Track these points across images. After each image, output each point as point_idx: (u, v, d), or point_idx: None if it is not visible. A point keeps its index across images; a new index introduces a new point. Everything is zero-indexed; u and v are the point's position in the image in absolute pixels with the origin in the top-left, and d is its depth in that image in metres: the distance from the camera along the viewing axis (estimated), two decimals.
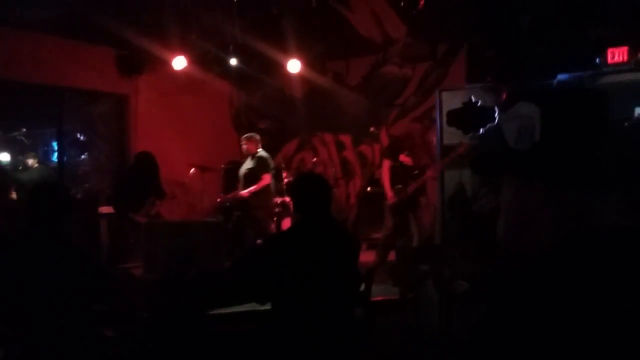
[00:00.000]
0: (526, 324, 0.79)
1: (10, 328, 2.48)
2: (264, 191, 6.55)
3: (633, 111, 5.70)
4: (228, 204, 6.91)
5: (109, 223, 6.54)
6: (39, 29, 6.60)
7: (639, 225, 0.90)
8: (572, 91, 1.11)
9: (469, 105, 6.41)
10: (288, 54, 7.84)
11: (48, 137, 8.00)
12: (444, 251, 5.25)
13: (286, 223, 7.05)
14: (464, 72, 7.36)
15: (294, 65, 7.95)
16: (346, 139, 9.03)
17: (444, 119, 6.92)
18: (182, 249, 3.26)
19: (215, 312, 3.35)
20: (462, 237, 6.05)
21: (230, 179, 7.97)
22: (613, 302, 0.77)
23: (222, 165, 8.22)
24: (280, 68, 8.19)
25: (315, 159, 8.46)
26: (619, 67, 5.92)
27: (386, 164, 5.92)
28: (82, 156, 8.15)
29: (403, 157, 5.87)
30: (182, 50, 7.50)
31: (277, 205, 7.16)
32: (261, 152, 6.65)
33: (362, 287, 3.02)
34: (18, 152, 7.71)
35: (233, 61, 7.82)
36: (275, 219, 7.09)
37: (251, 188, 6.40)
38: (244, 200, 6.50)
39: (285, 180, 7.34)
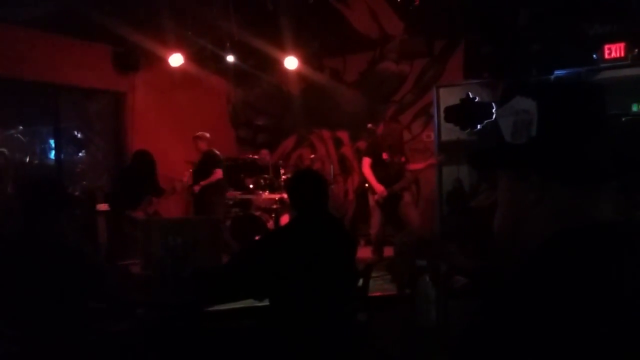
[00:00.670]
0: (521, 319, 0.79)
1: (7, 326, 2.48)
2: (220, 187, 6.66)
3: (630, 107, 5.72)
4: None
5: (106, 220, 6.54)
6: (35, 26, 6.58)
7: (634, 218, 0.90)
8: (569, 85, 1.12)
9: (466, 101, 6.43)
10: (285, 50, 7.83)
11: (45, 135, 7.97)
12: (441, 247, 5.26)
13: (284, 219, 7.05)
14: (461, 68, 7.38)
15: (291, 62, 7.94)
16: (344, 135, 9.03)
17: (442, 115, 6.94)
18: (179, 246, 3.25)
19: (213, 308, 3.35)
20: (459, 233, 6.07)
21: (228, 175, 7.98)
22: (608, 295, 0.77)
23: None
24: (278, 65, 8.18)
25: (313, 156, 8.47)
26: (616, 63, 5.93)
27: (366, 161, 6.00)
28: (80, 154, 8.14)
29: (385, 156, 5.94)
30: (179, 47, 7.49)
31: (274, 202, 7.17)
32: (211, 149, 6.89)
33: (360, 282, 3.02)
34: (15, 150, 7.69)
35: (230, 58, 7.81)
36: (273, 215, 7.10)
37: (202, 182, 6.64)
38: (198, 196, 6.64)
39: (283, 176, 7.34)
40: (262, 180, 7.26)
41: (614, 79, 5.85)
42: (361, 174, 8.57)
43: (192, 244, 3.30)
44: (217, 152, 6.98)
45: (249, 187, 7.27)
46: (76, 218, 6.29)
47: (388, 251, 5.89)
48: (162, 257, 3.27)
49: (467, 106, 6.35)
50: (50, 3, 6.15)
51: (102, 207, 6.67)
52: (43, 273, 2.47)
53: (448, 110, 6.69)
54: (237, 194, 7.37)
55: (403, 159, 6.08)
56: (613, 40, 5.94)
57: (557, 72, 5.98)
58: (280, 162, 8.10)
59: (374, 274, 3.90)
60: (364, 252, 5.99)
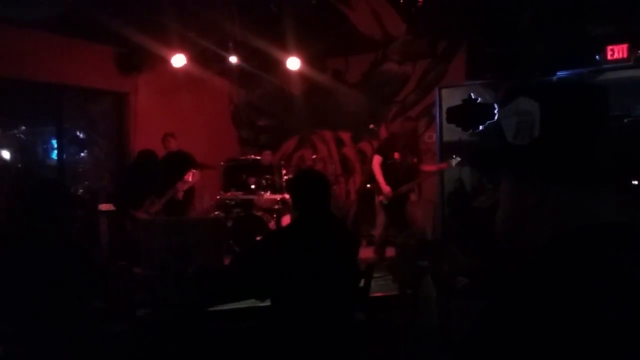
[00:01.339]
0: (523, 320, 0.79)
1: (10, 326, 2.49)
2: (193, 189, 6.58)
3: (633, 108, 5.71)
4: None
5: (108, 220, 6.55)
6: (38, 27, 6.59)
7: (636, 220, 0.90)
8: (572, 86, 1.12)
9: (468, 102, 6.43)
10: (287, 51, 7.84)
11: (48, 135, 7.99)
12: (443, 247, 5.26)
13: (285, 220, 7.06)
14: (463, 69, 7.36)
15: (293, 63, 7.95)
16: (346, 136, 9.03)
17: (444, 116, 6.94)
18: (181, 246, 3.26)
19: (215, 308, 3.35)
20: (461, 233, 6.07)
21: (230, 176, 8.00)
22: (611, 297, 0.77)
23: (222, 163, 8.23)
24: (280, 65, 8.19)
25: (314, 156, 8.47)
26: (618, 64, 5.92)
27: (376, 159, 5.93)
28: (82, 154, 8.16)
29: (397, 156, 5.88)
30: (182, 48, 7.50)
31: (276, 202, 7.17)
32: (182, 150, 6.78)
33: (362, 283, 3.02)
34: (18, 150, 7.71)
35: (232, 59, 7.82)
36: (274, 216, 7.11)
37: (184, 187, 6.43)
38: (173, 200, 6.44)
39: (285, 177, 7.35)
40: (263, 181, 7.26)
41: (617, 80, 5.84)
42: (363, 174, 8.60)
43: (194, 244, 3.30)
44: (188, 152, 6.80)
45: (251, 187, 7.28)
46: (78, 218, 6.31)
47: (390, 252, 5.89)
48: (164, 257, 3.27)
49: (469, 107, 6.35)
50: (54, 4, 6.16)
51: (104, 207, 6.69)
52: (45, 273, 2.47)
53: (450, 111, 6.69)
54: (238, 194, 7.38)
55: (415, 160, 5.99)
56: (616, 41, 5.93)
57: (560, 73, 5.98)
58: (282, 162, 8.10)
59: (375, 274, 3.90)
60: (366, 253, 5.99)
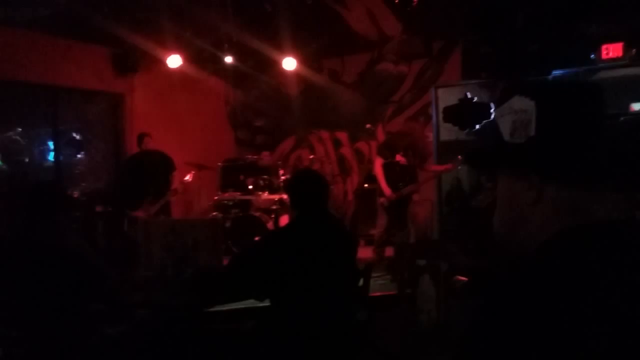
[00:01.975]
0: (521, 318, 0.79)
1: (9, 328, 2.48)
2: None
3: (628, 106, 5.72)
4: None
5: (106, 222, 6.54)
6: (33, 28, 6.57)
7: (632, 218, 0.91)
8: (568, 84, 1.12)
9: (464, 101, 6.44)
10: (283, 51, 7.84)
11: (44, 137, 7.96)
12: (441, 246, 5.27)
13: (283, 220, 7.06)
14: (459, 68, 7.38)
15: (289, 63, 7.95)
16: (343, 136, 9.04)
17: (440, 115, 6.96)
18: (179, 247, 3.25)
19: (213, 309, 3.35)
20: (459, 233, 6.07)
21: (228, 176, 7.99)
22: (608, 295, 0.78)
23: (219, 163, 8.22)
24: (276, 66, 8.18)
25: (312, 156, 8.47)
26: (613, 63, 5.94)
27: (378, 161, 5.89)
28: (78, 155, 8.14)
29: (399, 157, 5.83)
30: (177, 49, 7.49)
31: (274, 202, 7.18)
32: (161, 150, 6.70)
33: (361, 282, 3.03)
34: (14, 152, 7.68)
35: (228, 59, 7.81)
36: (272, 216, 7.11)
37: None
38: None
39: (282, 177, 7.35)
40: (261, 181, 7.26)
41: (612, 79, 5.86)
42: (360, 174, 8.61)
43: (192, 245, 3.30)
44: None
45: (249, 188, 7.28)
46: (75, 220, 6.29)
47: (389, 251, 5.89)
48: (162, 258, 3.27)
49: (465, 106, 6.36)
50: (48, 5, 6.15)
51: (101, 208, 6.67)
52: (43, 275, 2.47)
53: (447, 110, 6.71)
54: (236, 195, 7.37)
55: (412, 161, 5.91)
56: (610, 40, 5.95)
57: (555, 72, 5.99)
58: (280, 162, 8.10)
59: (374, 274, 3.91)
60: (365, 252, 5.99)
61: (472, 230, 5.41)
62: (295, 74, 8.51)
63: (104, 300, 2.72)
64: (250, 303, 2.93)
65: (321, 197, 2.78)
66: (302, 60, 8.09)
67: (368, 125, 7.58)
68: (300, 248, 2.62)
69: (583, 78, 5.90)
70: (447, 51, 7.97)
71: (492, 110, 6.30)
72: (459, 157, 5.95)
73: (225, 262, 3.84)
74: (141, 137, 6.65)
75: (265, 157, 7.94)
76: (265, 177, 7.36)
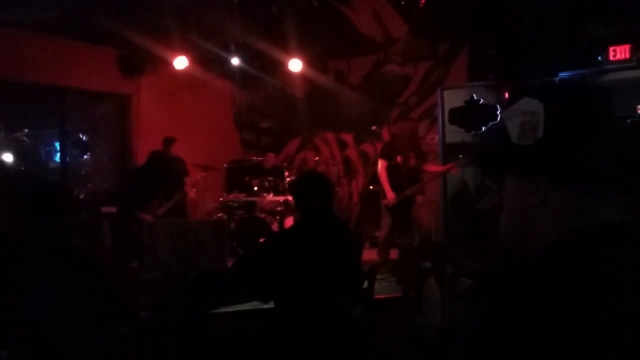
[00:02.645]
0: (527, 321, 0.78)
1: (14, 329, 2.49)
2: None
3: (635, 108, 5.70)
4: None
5: (112, 223, 6.56)
6: (40, 29, 6.61)
7: (639, 220, 0.90)
8: (576, 87, 1.11)
9: (470, 103, 6.43)
10: (289, 53, 7.85)
11: (50, 138, 8.01)
12: (446, 249, 5.25)
13: (288, 222, 7.06)
14: (465, 70, 7.37)
15: (295, 65, 7.96)
16: (348, 137, 9.03)
17: (446, 117, 6.95)
18: (184, 248, 3.26)
19: (218, 310, 3.35)
20: (464, 235, 6.05)
21: (233, 178, 8.00)
22: (614, 297, 0.77)
23: (225, 165, 8.23)
24: (282, 67, 8.20)
25: (317, 158, 8.47)
26: (621, 65, 5.91)
27: (382, 163, 5.87)
28: (85, 156, 8.17)
29: (399, 158, 5.82)
30: (184, 50, 7.51)
31: (279, 204, 7.18)
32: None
33: (365, 284, 3.02)
34: (21, 152, 7.73)
35: (235, 61, 7.83)
36: (277, 217, 7.11)
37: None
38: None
39: (288, 179, 7.35)
40: (266, 183, 7.26)
41: (619, 81, 5.83)
42: (365, 176, 8.60)
43: (197, 246, 3.31)
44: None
45: (254, 189, 7.28)
46: (81, 221, 6.31)
47: (394, 253, 5.87)
48: (167, 259, 3.28)
49: (471, 108, 6.35)
50: (56, 7, 6.18)
51: (108, 209, 6.69)
52: (48, 276, 2.47)
53: (452, 112, 6.70)
54: (241, 197, 7.38)
55: (413, 161, 5.88)
56: (618, 42, 5.92)
57: (562, 74, 5.97)
58: (285, 164, 8.10)
59: (379, 276, 3.90)
60: (369, 254, 5.98)
61: (477, 233, 5.40)
62: (301, 76, 8.52)
63: (108, 301, 2.72)
64: (254, 305, 2.94)
65: (326, 198, 2.78)
66: (308, 61, 8.09)
67: (373, 127, 7.57)
68: (305, 250, 2.61)
69: (590, 80, 5.88)
70: (453, 53, 7.96)
71: (498, 112, 6.28)
72: (461, 156, 5.94)
73: (230, 263, 3.84)
74: (171, 141, 6.78)
75: (271, 159, 7.94)
76: (271, 178, 7.36)
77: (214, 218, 7.18)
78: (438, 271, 4.20)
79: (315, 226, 2.72)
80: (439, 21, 7.28)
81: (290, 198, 6.93)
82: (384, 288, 4.78)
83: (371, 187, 7.23)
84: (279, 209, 7.16)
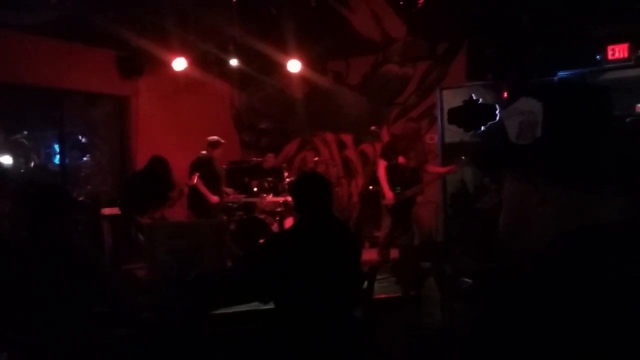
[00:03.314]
0: (526, 321, 0.79)
1: (13, 331, 2.49)
2: None
3: (634, 107, 5.70)
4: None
5: (111, 225, 6.56)
6: (39, 31, 6.61)
7: (638, 220, 0.90)
8: (575, 87, 1.11)
9: (469, 103, 6.43)
10: (288, 54, 7.85)
11: (49, 140, 8.00)
12: (446, 248, 5.25)
13: (288, 222, 7.06)
14: (464, 70, 7.36)
15: (294, 65, 7.96)
16: (347, 138, 9.04)
17: (445, 117, 6.94)
18: (183, 250, 3.26)
19: (218, 311, 3.35)
20: (464, 235, 6.05)
21: (233, 179, 8.00)
22: (612, 297, 0.77)
23: (224, 166, 8.23)
24: (281, 68, 8.20)
25: (316, 159, 8.47)
26: (619, 64, 5.92)
27: (382, 164, 5.87)
28: (84, 158, 8.17)
29: (401, 159, 5.81)
30: (182, 52, 7.51)
31: (279, 205, 7.18)
32: None
33: (365, 285, 3.02)
34: (20, 154, 7.73)
35: (233, 62, 7.83)
36: (277, 218, 7.11)
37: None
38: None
39: (287, 179, 7.35)
40: (266, 184, 7.26)
41: (618, 80, 5.83)
42: (365, 176, 8.60)
43: (196, 248, 3.30)
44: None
45: (253, 190, 7.28)
46: (81, 223, 6.31)
47: (394, 253, 5.88)
48: (167, 261, 3.28)
49: (470, 108, 6.35)
50: (54, 9, 6.18)
51: (107, 211, 6.69)
52: (48, 278, 2.47)
53: (451, 112, 6.70)
54: (241, 197, 7.38)
55: (413, 163, 5.88)
56: (616, 41, 5.92)
57: (561, 74, 5.97)
58: (284, 165, 8.10)
59: (379, 276, 3.89)
60: (369, 254, 5.98)
61: (476, 232, 5.39)
62: (300, 77, 8.52)
63: (108, 302, 2.72)
64: (254, 305, 2.93)
65: (325, 199, 2.78)
66: (307, 62, 8.09)
67: (373, 128, 7.57)
68: (304, 250, 2.61)
69: (589, 79, 5.88)
70: (451, 53, 7.96)
71: (497, 112, 6.29)
72: (463, 157, 5.93)
73: (230, 264, 3.84)
74: (217, 144, 6.85)
75: (270, 160, 7.94)
76: (270, 179, 7.36)
77: (213, 219, 7.18)
78: (438, 271, 4.20)
79: (315, 227, 2.72)
80: (437, 21, 7.29)
81: (289, 199, 6.93)
82: (384, 288, 4.78)
83: (371, 187, 7.23)
84: (279, 209, 7.16)
